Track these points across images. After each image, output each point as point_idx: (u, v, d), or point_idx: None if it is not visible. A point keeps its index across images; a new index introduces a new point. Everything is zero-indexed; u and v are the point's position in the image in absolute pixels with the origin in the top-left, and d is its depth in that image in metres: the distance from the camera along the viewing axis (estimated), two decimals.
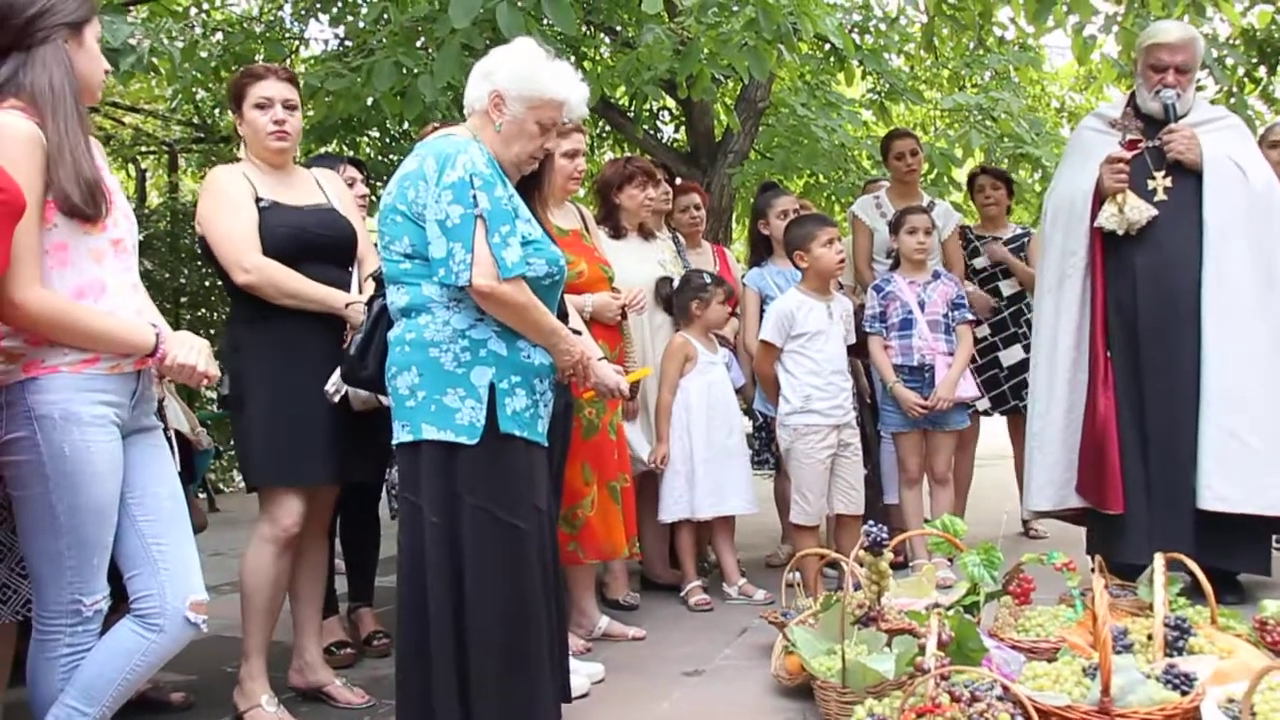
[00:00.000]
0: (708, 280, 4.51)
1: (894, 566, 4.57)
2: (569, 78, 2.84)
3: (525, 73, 2.78)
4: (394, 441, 2.77)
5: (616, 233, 4.48)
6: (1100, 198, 4.12)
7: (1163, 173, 4.09)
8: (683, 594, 4.46)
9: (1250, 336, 3.91)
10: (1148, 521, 3.99)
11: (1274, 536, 4.43)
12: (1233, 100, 8.30)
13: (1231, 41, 7.99)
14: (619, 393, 3.30)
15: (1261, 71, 8.16)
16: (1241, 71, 8.15)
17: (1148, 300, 4.06)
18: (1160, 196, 4.07)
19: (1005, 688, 2.53)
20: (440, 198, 2.63)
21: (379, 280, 2.93)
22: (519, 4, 4.85)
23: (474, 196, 2.63)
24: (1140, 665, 2.77)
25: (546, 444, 2.87)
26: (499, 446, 2.70)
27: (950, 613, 3.05)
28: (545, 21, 5.18)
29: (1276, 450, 3.86)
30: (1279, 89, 8.44)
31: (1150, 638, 2.96)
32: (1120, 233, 4.06)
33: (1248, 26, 7.58)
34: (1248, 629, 3.26)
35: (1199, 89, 8.50)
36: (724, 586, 4.53)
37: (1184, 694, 2.61)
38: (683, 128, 9.37)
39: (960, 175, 7.84)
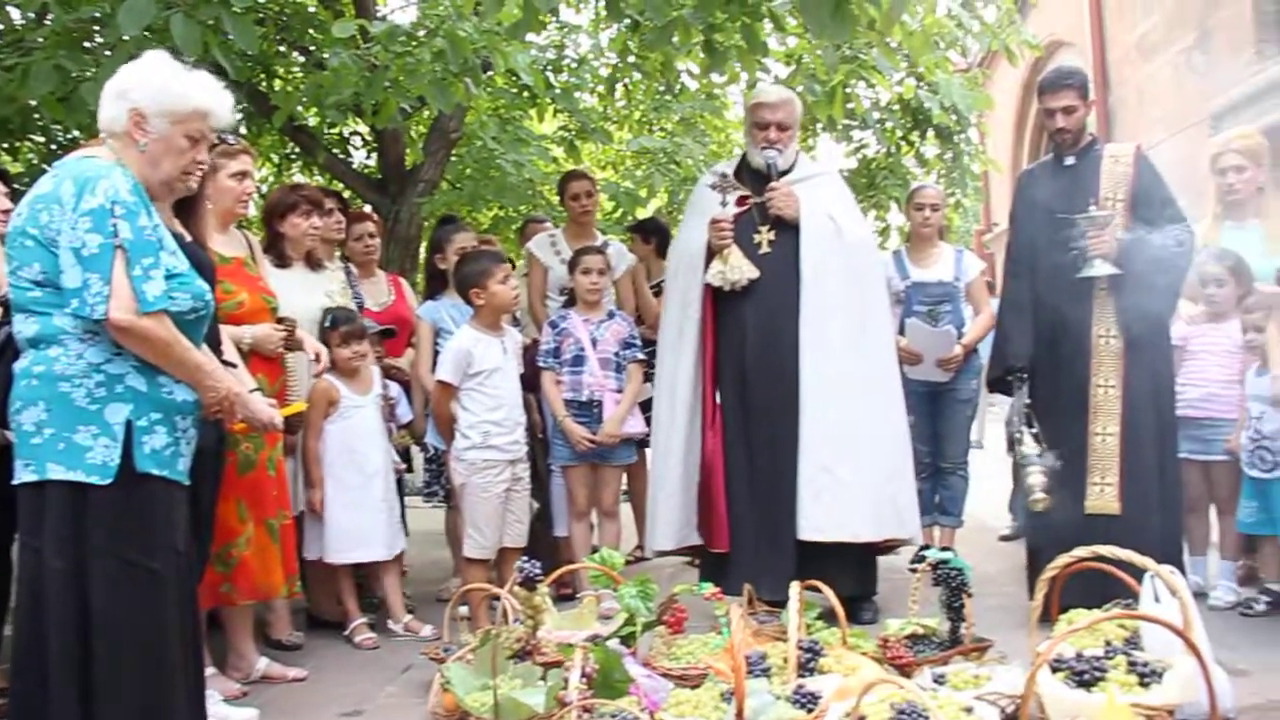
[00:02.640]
0: (327, 322, 4.41)
1: (563, 598, 4.69)
2: (210, 86, 2.75)
3: (164, 86, 2.67)
4: (15, 481, 2.58)
5: (282, 261, 4.36)
6: (711, 255, 4.39)
7: (767, 227, 4.39)
8: (347, 632, 4.37)
9: (842, 378, 4.24)
10: (755, 555, 4.27)
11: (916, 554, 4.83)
12: (891, 159, 9.06)
13: (891, 107, 8.71)
14: (272, 427, 3.22)
15: (915, 136, 8.93)
16: (899, 135, 8.90)
17: (755, 347, 4.35)
18: (765, 250, 4.37)
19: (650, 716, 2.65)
20: (77, 225, 2.49)
21: (6, 306, 2.73)
22: (197, 17, 4.65)
23: (114, 225, 2.51)
24: (774, 687, 2.96)
25: (189, 482, 2.76)
26: (134, 487, 2.57)
27: (598, 645, 3.14)
28: (227, 36, 4.98)
29: (865, 482, 4.21)
30: (930, 151, 9.27)
31: (786, 660, 3.16)
32: (726, 289, 4.33)
33: (902, 95, 8.29)
34: (874, 647, 3.54)
35: (861, 148, 9.28)
36: (389, 623, 4.47)
37: (810, 711, 2.81)
38: (375, 154, 9.24)
39: (644, 215, 8.12)
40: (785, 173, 4.44)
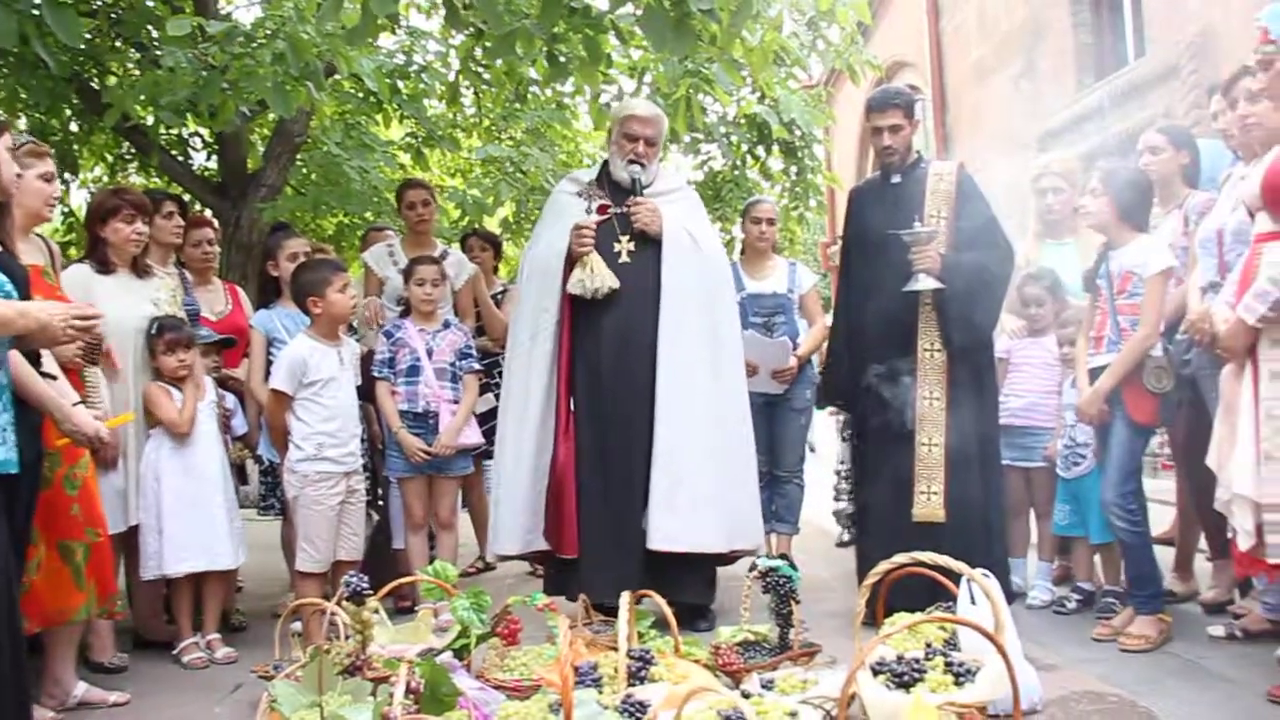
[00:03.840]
0: (153, 330, 4.28)
1: (403, 611, 4.63)
2: None
3: None
4: None
5: (105, 267, 4.21)
6: (571, 261, 4.40)
7: (628, 237, 4.44)
8: (175, 651, 4.22)
9: (696, 391, 4.31)
10: (604, 562, 4.28)
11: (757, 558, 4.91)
12: (737, 173, 9.23)
13: (738, 122, 8.87)
14: (98, 440, 3.07)
15: (760, 150, 9.12)
16: (745, 149, 9.08)
17: (611, 356, 4.37)
18: (625, 259, 4.42)
19: None
20: None
21: None
22: (14, 6, 4.44)
23: None
24: (602, 697, 2.97)
25: None
26: None
27: (425, 659, 3.10)
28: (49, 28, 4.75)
29: (715, 494, 4.28)
30: (776, 165, 9.48)
31: (618, 670, 3.17)
32: (587, 296, 4.35)
33: (746, 112, 8.45)
34: (707, 654, 3.58)
35: (708, 161, 9.42)
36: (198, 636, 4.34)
37: None
38: (215, 156, 8.98)
39: (491, 224, 8.10)
40: (647, 187, 4.49)
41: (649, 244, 4.41)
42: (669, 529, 4.22)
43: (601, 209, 4.49)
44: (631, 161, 4.48)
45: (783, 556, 5.28)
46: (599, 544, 4.30)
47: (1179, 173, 4.45)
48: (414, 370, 4.67)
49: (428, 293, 4.74)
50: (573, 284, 4.36)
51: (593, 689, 3.11)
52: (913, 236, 4.16)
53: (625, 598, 3.28)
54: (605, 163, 4.70)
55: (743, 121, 8.86)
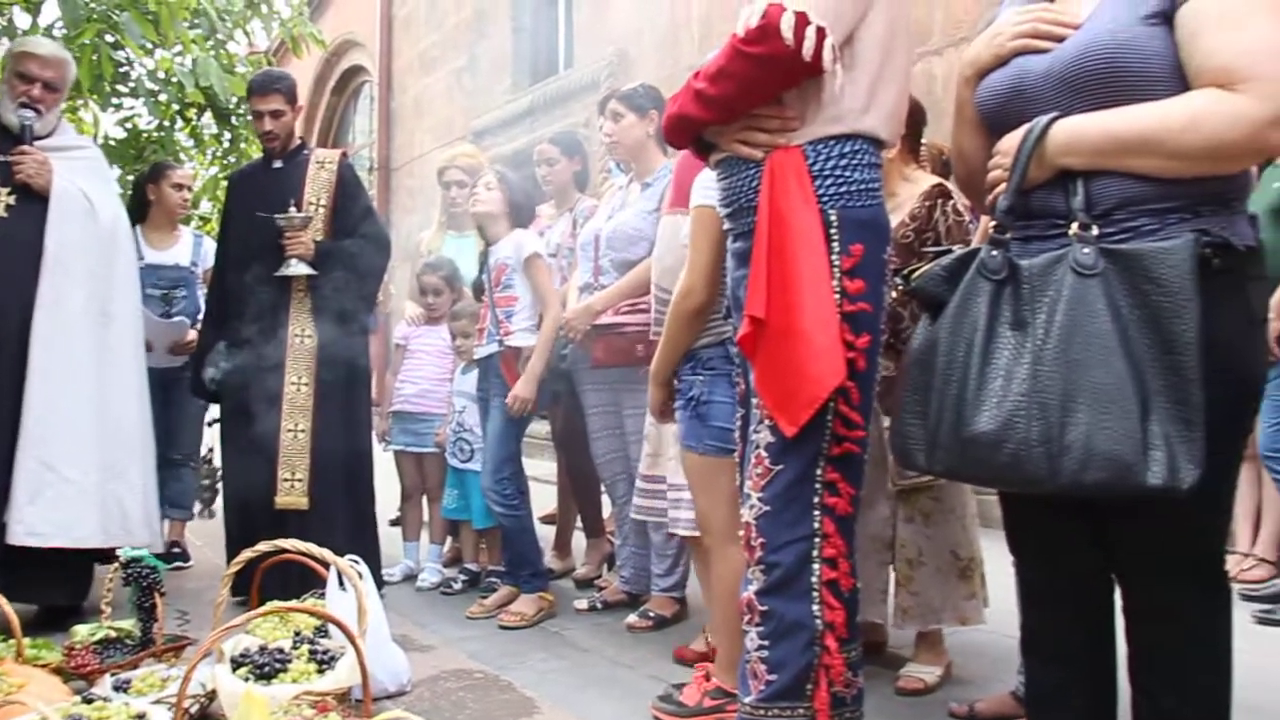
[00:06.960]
0: None
1: None
2: None
3: None
4: None
5: None
6: None
7: (9, 189, 3.99)
8: None
9: (77, 369, 3.94)
10: None
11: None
12: (163, 134, 8.65)
13: (172, 79, 8.30)
14: None
15: (193, 112, 8.61)
16: (176, 109, 8.52)
17: None
18: (2, 214, 3.97)
19: None
20: None
21: None
22: None
23: None
24: None
25: None
26: None
27: None
28: None
29: (92, 483, 3.93)
30: (208, 130, 8.99)
31: None
32: None
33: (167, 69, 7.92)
34: (60, 657, 3.30)
35: (132, 119, 8.75)
36: None
37: None
38: None
39: None
40: (42, 138, 4.05)
41: (34, 201, 3.96)
42: (33, 522, 3.78)
43: None
44: (24, 106, 4.01)
45: (174, 544, 5.06)
46: None
47: (572, 180, 4.80)
48: None
49: None
50: None
51: None
52: (286, 221, 4.15)
53: None
54: None
55: (175, 80, 8.31)
